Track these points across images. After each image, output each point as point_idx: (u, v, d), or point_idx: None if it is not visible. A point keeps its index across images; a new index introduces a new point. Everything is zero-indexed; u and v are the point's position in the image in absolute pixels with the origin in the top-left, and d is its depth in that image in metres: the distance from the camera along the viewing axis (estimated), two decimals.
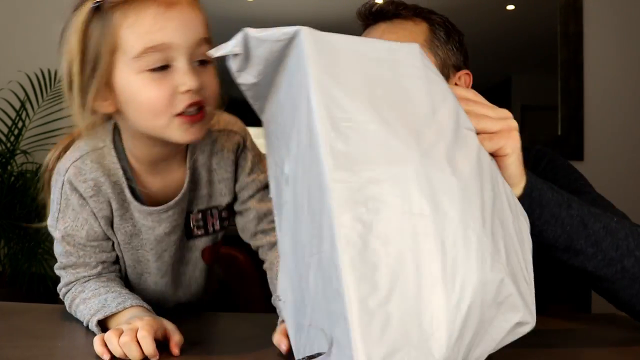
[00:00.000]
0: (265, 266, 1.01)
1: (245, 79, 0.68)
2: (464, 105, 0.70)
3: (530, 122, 2.72)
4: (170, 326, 0.80)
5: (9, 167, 2.34)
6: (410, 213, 0.57)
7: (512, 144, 0.77)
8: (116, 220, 0.94)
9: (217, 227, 1.02)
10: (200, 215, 1.00)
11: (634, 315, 0.90)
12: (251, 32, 0.64)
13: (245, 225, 1.02)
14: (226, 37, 0.65)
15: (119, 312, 0.85)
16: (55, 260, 0.97)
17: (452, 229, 0.59)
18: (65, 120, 2.53)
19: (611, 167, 2.61)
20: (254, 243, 1.03)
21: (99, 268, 0.95)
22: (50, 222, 0.95)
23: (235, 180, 1.01)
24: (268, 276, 0.99)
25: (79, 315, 0.90)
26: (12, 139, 2.40)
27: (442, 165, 0.61)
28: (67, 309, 0.94)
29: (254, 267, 1.50)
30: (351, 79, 0.61)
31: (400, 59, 0.66)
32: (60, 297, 0.96)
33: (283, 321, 0.79)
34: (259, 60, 0.65)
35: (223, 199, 1.01)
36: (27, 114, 2.43)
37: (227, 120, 1.00)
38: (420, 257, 0.56)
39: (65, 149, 0.96)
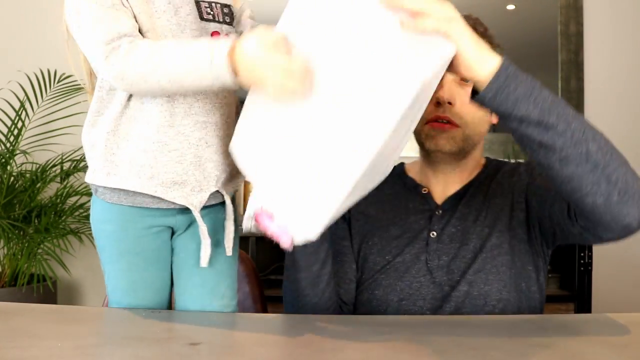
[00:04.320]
0: None
1: None
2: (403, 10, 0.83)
3: None
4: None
5: (8, 167, 2.34)
6: None
7: (455, 29, 0.85)
8: None
9: (222, 19, 1.06)
10: (207, 4, 1.04)
11: (592, 207, 0.92)
12: None
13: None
14: None
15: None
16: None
17: None
18: (65, 120, 2.54)
19: None
20: None
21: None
22: None
23: None
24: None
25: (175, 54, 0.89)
26: (11, 139, 2.40)
27: None
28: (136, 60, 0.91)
29: (254, 267, 1.50)
30: None
31: None
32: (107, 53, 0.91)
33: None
34: None
35: None
36: (27, 114, 2.43)
37: None
38: None
39: None
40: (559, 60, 2.65)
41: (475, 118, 1.17)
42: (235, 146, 0.94)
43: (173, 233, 1.07)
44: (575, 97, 2.64)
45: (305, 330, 0.91)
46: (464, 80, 1.15)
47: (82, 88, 2.63)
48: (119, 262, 1.03)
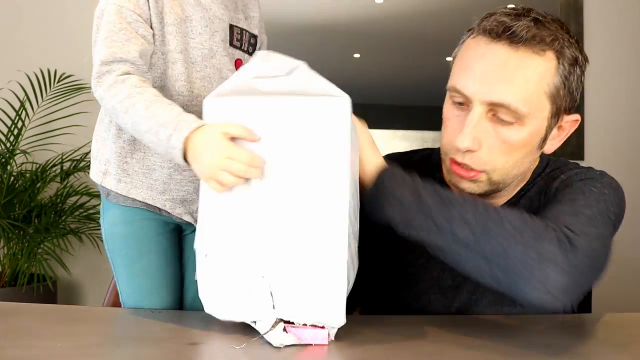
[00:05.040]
0: None
1: None
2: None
3: None
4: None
5: (8, 167, 2.34)
6: None
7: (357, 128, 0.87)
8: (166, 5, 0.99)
9: (247, 48, 1.10)
10: (239, 30, 1.08)
11: (495, 288, 0.85)
12: None
13: None
14: None
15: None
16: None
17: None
18: (65, 120, 2.55)
19: (611, 167, 2.59)
20: None
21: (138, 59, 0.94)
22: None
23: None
24: None
25: (139, 119, 0.88)
26: (11, 139, 2.41)
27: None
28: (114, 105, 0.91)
29: None
30: None
31: None
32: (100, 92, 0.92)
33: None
34: None
35: (254, 30, 1.12)
36: (27, 114, 2.43)
37: None
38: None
39: None
40: None
41: (508, 162, 0.97)
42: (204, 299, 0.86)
43: (180, 231, 1.10)
44: None
45: None
46: (502, 119, 0.94)
47: (82, 88, 2.65)
48: (140, 261, 1.04)
